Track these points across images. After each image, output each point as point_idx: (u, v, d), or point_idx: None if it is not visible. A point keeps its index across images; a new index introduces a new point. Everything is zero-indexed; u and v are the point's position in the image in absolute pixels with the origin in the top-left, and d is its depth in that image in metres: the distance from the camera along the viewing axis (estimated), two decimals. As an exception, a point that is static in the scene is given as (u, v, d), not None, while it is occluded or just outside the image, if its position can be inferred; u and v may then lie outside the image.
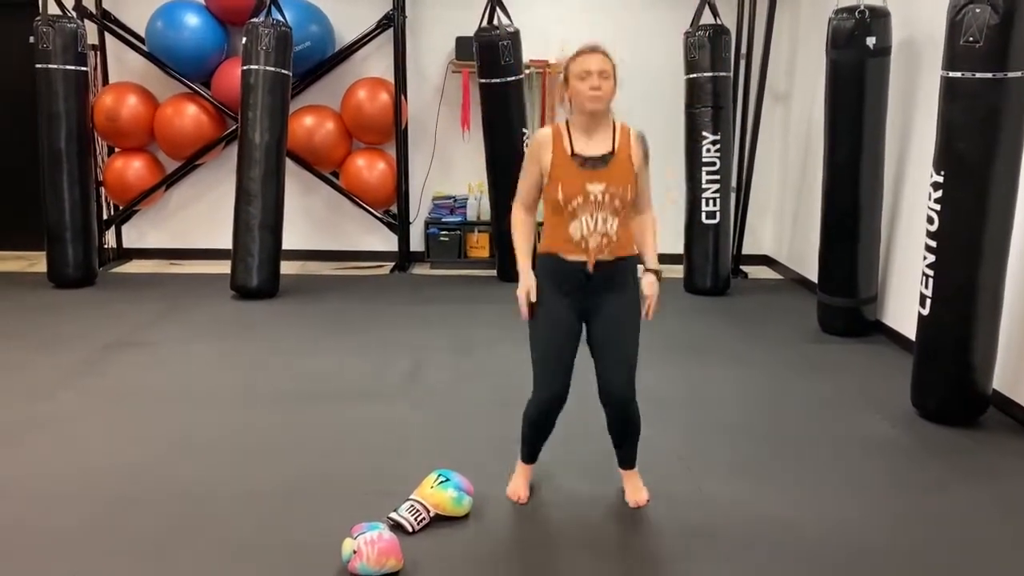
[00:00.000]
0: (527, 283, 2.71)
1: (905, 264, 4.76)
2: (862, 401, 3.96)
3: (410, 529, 2.71)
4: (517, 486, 2.96)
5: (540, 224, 2.80)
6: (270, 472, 3.16)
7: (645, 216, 2.79)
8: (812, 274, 5.98)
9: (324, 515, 2.84)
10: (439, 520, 2.79)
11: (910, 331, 4.59)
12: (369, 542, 2.46)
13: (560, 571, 2.57)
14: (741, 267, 6.64)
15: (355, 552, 2.46)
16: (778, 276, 6.71)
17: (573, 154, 2.62)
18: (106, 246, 6.81)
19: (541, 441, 2.92)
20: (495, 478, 3.02)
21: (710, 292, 5.95)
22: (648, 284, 2.74)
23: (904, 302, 4.74)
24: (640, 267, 2.76)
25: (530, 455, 2.95)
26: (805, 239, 6.23)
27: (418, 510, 2.77)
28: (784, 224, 6.73)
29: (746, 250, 6.72)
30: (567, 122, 2.69)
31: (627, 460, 2.93)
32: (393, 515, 2.75)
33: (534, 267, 2.73)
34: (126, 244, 7.05)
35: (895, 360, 4.53)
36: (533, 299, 2.69)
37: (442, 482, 2.84)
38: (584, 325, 2.75)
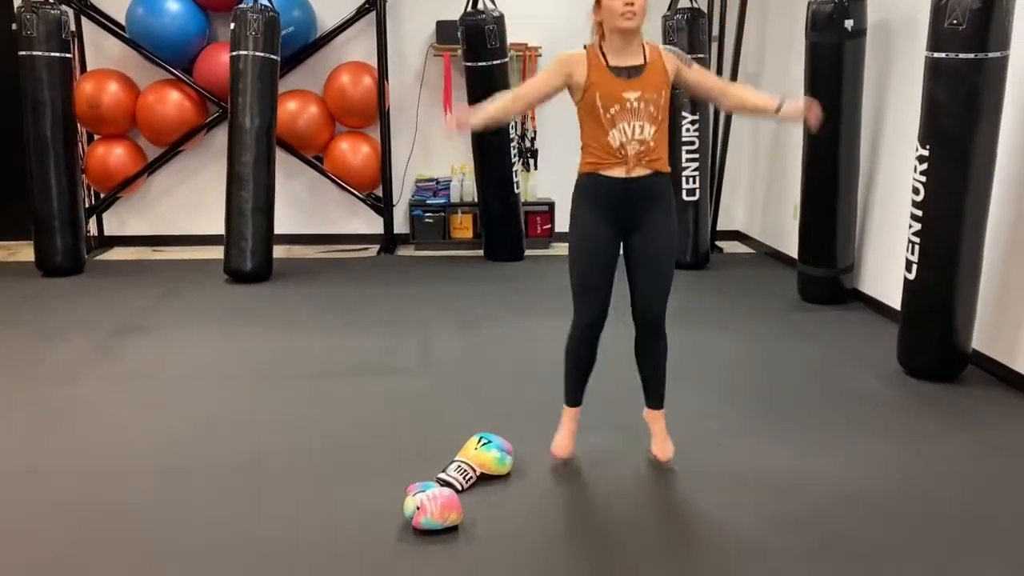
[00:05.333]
0: (469, 113, 2.84)
1: (880, 234, 5.05)
2: (850, 362, 4.24)
3: (459, 488, 2.88)
4: (562, 440, 3.07)
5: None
6: (312, 442, 3.31)
7: (732, 87, 2.97)
8: (785, 247, 6.29)
9: (374, 479, 2.99)
10: (484, 479, 2.97)
11: (886, 297, 4.92)
12: (432, 498, 2.62)
13: (601, 517, 2.78)
14: (716, 242, 6.90)
15: (419, 508, 2.62)
16: (751, 250, 7.00)
17: (608, 66, 2.73)
18: (88, 234, 6.78)
19: (585, 374, 3.02)
20: (529, 439, 3.20)
21: (691, 267, 6.19)
22: (791, 104, 2.88)
23: (880, 270, 5.05)
24: (771, 105, 2.88)
25: (575, 394, 3.05)
26: (777, 214, 6.52)
27: (465, 470, 2.95)
28: (756, 200, 7.01)
29: (720, 226, 6.99)
30: (599, 45, 2.78)
31: (655, 396, 3.07)
32: (442, 475, 2.92)
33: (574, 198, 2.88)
34: (107, 232, 7.04)
35: (874, 324, 4.83)
36: (461, 125, 2.82)
37: (485, 443, 3.02)
38: (622, 242, 2.86)
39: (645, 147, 2.74)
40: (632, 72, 2.73)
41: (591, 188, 2.83)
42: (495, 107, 2.87)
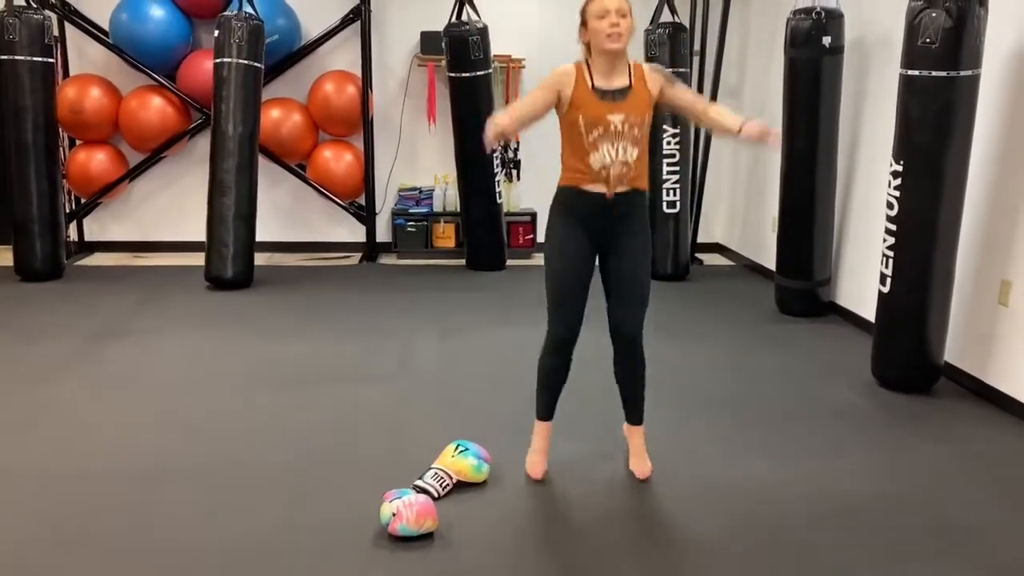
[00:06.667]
0: (503, 121, 2.65)
1: (856, 248, 5.12)
2: (826, 373, 4.29)
3: (436, 495, 2.90)
4: (534, 460, 3.09)
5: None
6: (290, 448, 3.31)
7: (711, 108, 2.93)
8: (764, 260, 6.36)
9: (351, 486, 3.00)
10: (461, 486, 2.99)
11: (862, 310, 4.98)
12: (408, 504, 2.64)
13: (575, 526, 2.80)
14: (696, 254, 6.96)
15: (394, 514, 2.63)
16: (731, 262, 7.06)
17: (594, 88, 2.75)
18: (68, 239, 6.75)
19: (557, 389, 3.04)
20: (505, 447, 3.23)
21: (671, 278, 6.25)
22: (752, 124, 2.79)
23: (856, 283, 5.11)
24: (735, 125, 2.82)
25: (546, 408, 3.07)
26: (756, 227, 6.59)
27: (442, 477, 2.96)
28: (736, 213, 7.08)
29: (700, 238, 7.05)
30: (586, 62, 2.80)
31: (634, 412, 3.10)
32: (418, 482, 2.94)
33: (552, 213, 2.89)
34: (88, 237, 7.02)
35: (850, 337, 4.89)
36: (500, 134, 2.64)
37: (462, 451, 3.04)
38: (598, 259, 2.89)
39: (627, 168, 2.77)
40: (617, 95, 2.75)
41: (570, 202, 2.84)
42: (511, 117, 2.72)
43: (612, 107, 2.74)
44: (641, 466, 3.10)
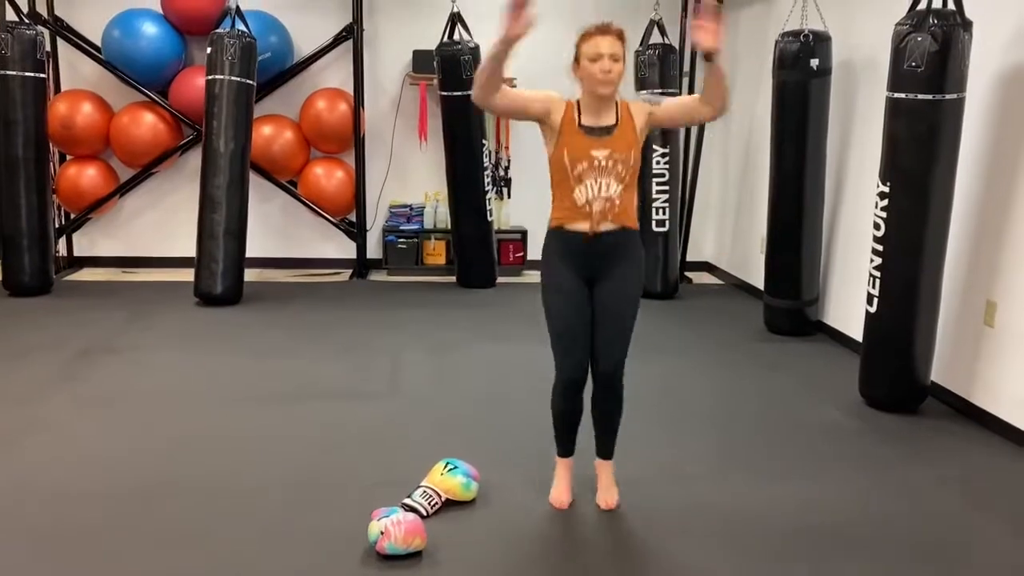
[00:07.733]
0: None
1: (844, 268, 5.16)
2: (813, 393, 4.31)
3: (424, 513, 2.89)
4: (559, 491, 3.05)
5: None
6: (278, 466, 3.30)
7: (700, 95, 2.88)
8: (753, 279, 6.39)
9: (339, 504, 3.00)
10: (449, 504, 2.98)
11: (850, 329, 5.01)
12: (396, 523, 2.64)
13: (563, 545, 2.80)
14: (685, 273, 7.00)
15: (382, 533, 2.63)
16: (719, 281, 7.10)
17: (580, 125, 2.78)
18: (57, 254, 6.74)
19: (573, 427, 3.02)
20: (495, 465, 3.23)
21: (660, 296, 6.27)
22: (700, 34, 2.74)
23: (844, 303, 5.15)
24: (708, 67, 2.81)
25: (565, 446, 3.05)
26: (745, 246, 6.63)
27: (431, 495, 2.96)
28: (724, 232, 7.12)
29: (689, 257, 7.09)
30: (577, 100, 2.81)
31: (605, 447, 3.06)
32: (407, 501, 2.93)
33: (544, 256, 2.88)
34: (77, 252, 7.00)
35: (838, 356, 4.92)
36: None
37: (451, 469, 3.04)
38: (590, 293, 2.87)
39: (610, 204, 2.76)
40: (603, 132, 2.76)
41: (558, 242, 2.85)
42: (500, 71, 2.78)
43: (597, 143, 2.75)
44: (608, 498, 3.05)
